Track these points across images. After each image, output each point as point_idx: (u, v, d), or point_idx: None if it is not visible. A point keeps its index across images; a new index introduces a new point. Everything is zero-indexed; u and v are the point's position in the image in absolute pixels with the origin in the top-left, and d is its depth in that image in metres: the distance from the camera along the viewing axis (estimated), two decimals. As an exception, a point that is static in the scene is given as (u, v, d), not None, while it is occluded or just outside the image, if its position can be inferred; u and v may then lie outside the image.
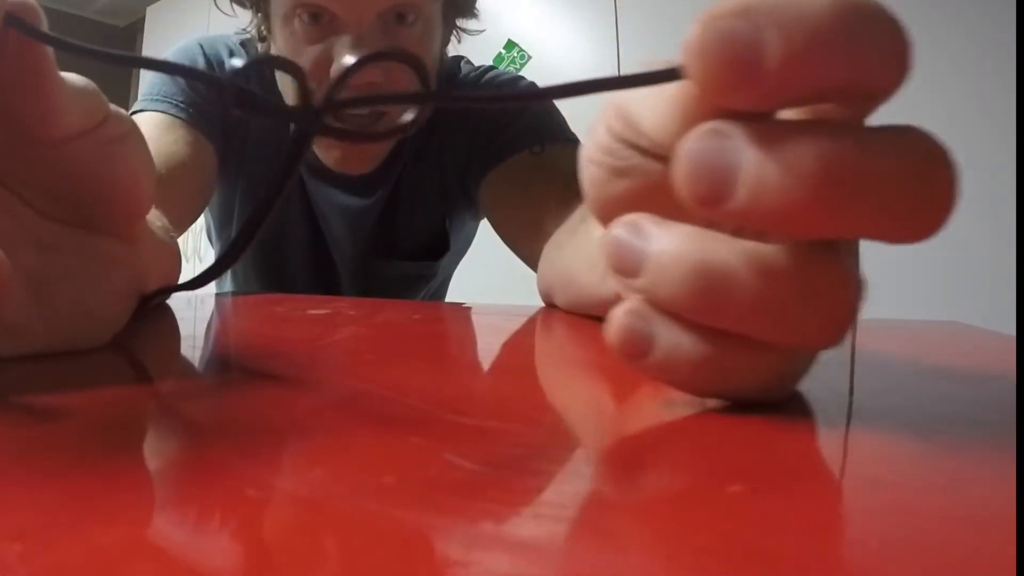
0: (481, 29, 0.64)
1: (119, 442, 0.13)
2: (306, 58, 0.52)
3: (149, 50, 3.27)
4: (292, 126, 0.19)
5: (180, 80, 0.57)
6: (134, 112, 0.57)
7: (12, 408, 0.15)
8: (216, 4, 0.59)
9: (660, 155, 0.17)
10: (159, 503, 0.10)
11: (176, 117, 0.55)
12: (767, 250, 0.14)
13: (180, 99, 0.56)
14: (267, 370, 0.20)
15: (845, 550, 0.09)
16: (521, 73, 2.06)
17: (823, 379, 0.17)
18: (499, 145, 0.60)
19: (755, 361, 0.15)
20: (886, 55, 0.13)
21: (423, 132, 0.62)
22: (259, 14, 0.57)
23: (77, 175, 0.20)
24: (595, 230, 0.31)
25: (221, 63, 0.62)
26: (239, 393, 0.17)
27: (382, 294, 0.71)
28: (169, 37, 3.10)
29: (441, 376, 0.21)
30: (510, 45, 2.11)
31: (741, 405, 0.16)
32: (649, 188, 0.18)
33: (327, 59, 0.52)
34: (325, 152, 0.61)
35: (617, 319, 0.15)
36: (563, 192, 0.51)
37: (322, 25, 0.52)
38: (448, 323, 0.39)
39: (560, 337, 0.33)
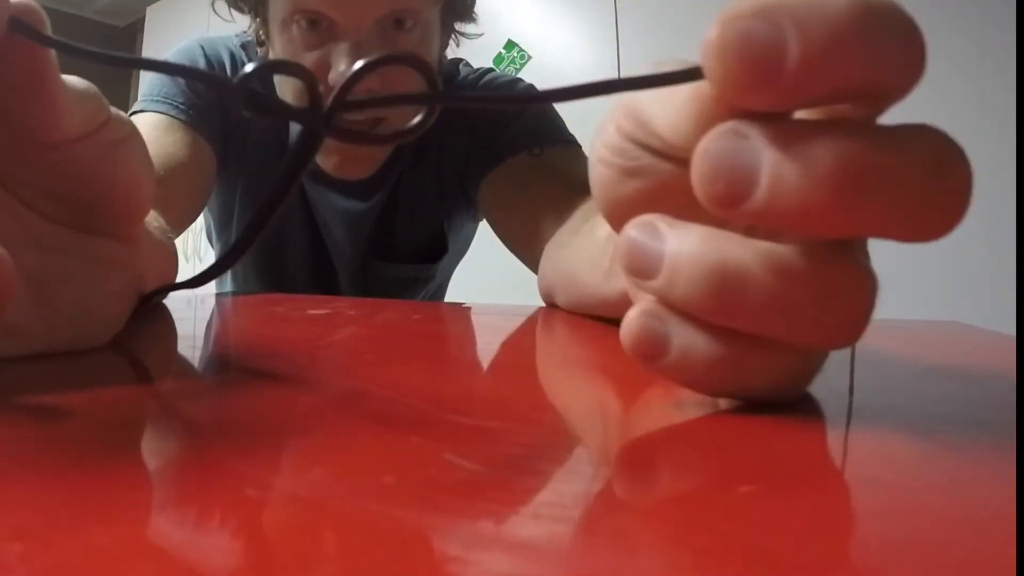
0: (479, 33, 0.64)
1: (119, 442, 0.13)
2: (304, 64, 0.52)
3: (149, 50, 3.27)
4: (292, 129, 0.19)
5: (180, 81, 0.57)
6: (134, 112, 0.57)
7: (12, 408, 0.15)
8: (214, 10, 0.59)
9: (672, 155, 0.17)
10: (159, 503, 0.10)
11: (175, 118, 0.55)
12: (782, 250, 0.14)
13: (180, 100, 0.56)
14: (267, 370, 0.20)
15: (845, 550, 0.09)
16: (521, 73, 2.08)
17: (823, 379, 0.17)
18: (498, 146, 0.60)
19: (770, 361, 0.15)
20: (902, 55, 0.13)
21: (421, 136, 0.62)
22: (257, 19, 0.57)
23: (77, 177, 0.20)
24: (598, 230, 0.31)
25: (222, 64, 0.62)
26: (239, 393, 0.17)
27: (381, 296, 0.71)
28: (169, 37, 3.10)
29: (441, 376, 0.21)
30: (510, 45, 2.12)
31: (742, 405, 0.16)
32: (660, 188, 0.18)
33: (325, 65, 0.52)
34: (324, 158, 0.61)
35: (632, 321, 0.15)
36: (562, 193, 0.51)
37: (320, 31, 0.52)
38: (448, 323, 0.39)
39: (561, 337, 0.33)
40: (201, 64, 0.62)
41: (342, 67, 0.50)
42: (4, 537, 0.08)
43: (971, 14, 1.47)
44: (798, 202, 0.12)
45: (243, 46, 0.64)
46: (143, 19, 3.37)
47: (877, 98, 0.14)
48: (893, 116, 0.14)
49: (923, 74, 0.13)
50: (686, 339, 0.15)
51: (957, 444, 0.14)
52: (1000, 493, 0.11)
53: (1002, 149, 1.37)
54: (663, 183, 0.18)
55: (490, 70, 0.69)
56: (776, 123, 0.13)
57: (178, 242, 0.47)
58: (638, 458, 0.13)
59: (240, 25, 0.61)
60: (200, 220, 0.66)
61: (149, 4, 3.31)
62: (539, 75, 2.04)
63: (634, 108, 0.18)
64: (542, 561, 0.08)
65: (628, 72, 0.15)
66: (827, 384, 0.17)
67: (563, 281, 0.39)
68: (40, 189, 0.20)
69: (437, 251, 0.72)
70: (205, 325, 0.34)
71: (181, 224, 0.52)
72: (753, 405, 0.15)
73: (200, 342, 0.28)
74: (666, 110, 0.16)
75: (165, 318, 0.32)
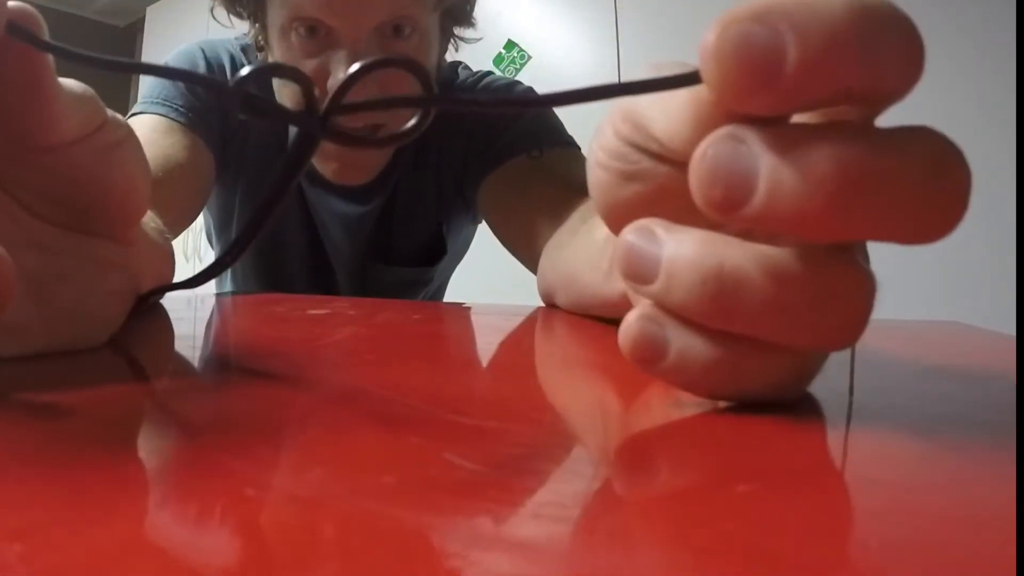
0: (478, 38, 0.64)
1: (118, 442, 0.13)
2: (303, 71, 0.52)
3: (149, 50, 3.27)
4: (292, 132, 0.19)
5: (180, 84, 0.57)
6: (133, 114, 0.57)
7: (11, 407, 0.15)
8: (213, 16, 0.59)
9: (670, 159, 0.17)
10: (158, 503, 0.10)
11: (175, 120, 0.56)
12: (780, 254, 0.14)
13: (179, 103, 0.56)
14: (267, 370, 0.20)
15: (845, 550, 0.09)
16: (521, 73, 2.08)
17: (823, 379, 0.17)
18: (497, 149, 0.60)
19: (768, 363, 0.15)
20: (901, 57, 0.13)
21: (420, 139, 0.62)
22: (256, 24, 0.57)
23: (74, 179, 0.20)
24: (597, 231, 0.31)
25: (222, 67, 0.62)
26: (238, 393, 0.17)
27: (379, 298, 0.71)
28: (169, 37, 3.10)
29: (441, 376, 0.21)
30: (510, 45, 2.12)
31: (742, 405, 0.16)
32: (658, 191, 0.18)
33: (324, 72, 0.52)
34: (323, 164, 0.61)
35: (630, 325, 0.15)
36: (561, 194, 0.51)
37: (319, 39, 0.52)
38: (448, 323, 0.39)
39: (560, 337, 0.33)
40: (201, 67, 0.62)
41: (340, 74, 0.50)
42: (3, 536, 0.08)
43: (971, 14, 1.47)
44: (796, 207, 0.12)
45: (243, 49, 0.64)
46: (143, 19, 3.37)
47: (875, 100, 0.13)
48: (892, 116, 0.14)
49: (922, 75, 0.13)
50: (684, 342, 0.15)
51: (957, 444, 0.14)
52: (1000, 493, 0.11)
53: (1002, 149, 1.37)
54: (661, 186, 0.18)
55: (489, 73, 0.69)
56: (774, 127, 0.13)
57: (178, 242, 0.47)
58: (638, 458, 0.13)
59: (240, 28, 0.61)
60: (200, 220, 0.66)
61: (149, 4, 3.31)
62: (539, 75, 2.04)
63: (632, 111, 0.18)
64: (542, 561, 0.08)
65: (627, 74, 0.15)
66: (827, 384, 0.17)
67: (563, 282, 0.39)
68: (37, 191, 0.20)
69: (435, 254, 0.72)
70: (205, 325, 0.34)
71: (179, 225, 0.52)
72: (753, 405, 0.15)
73: (199, 342, 0.28)
74: (664, 113, 0.16)
75: (163, 318, 0.32)
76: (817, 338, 0.14)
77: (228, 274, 0.76)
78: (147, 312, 0.31)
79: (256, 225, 0.21)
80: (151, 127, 0.54)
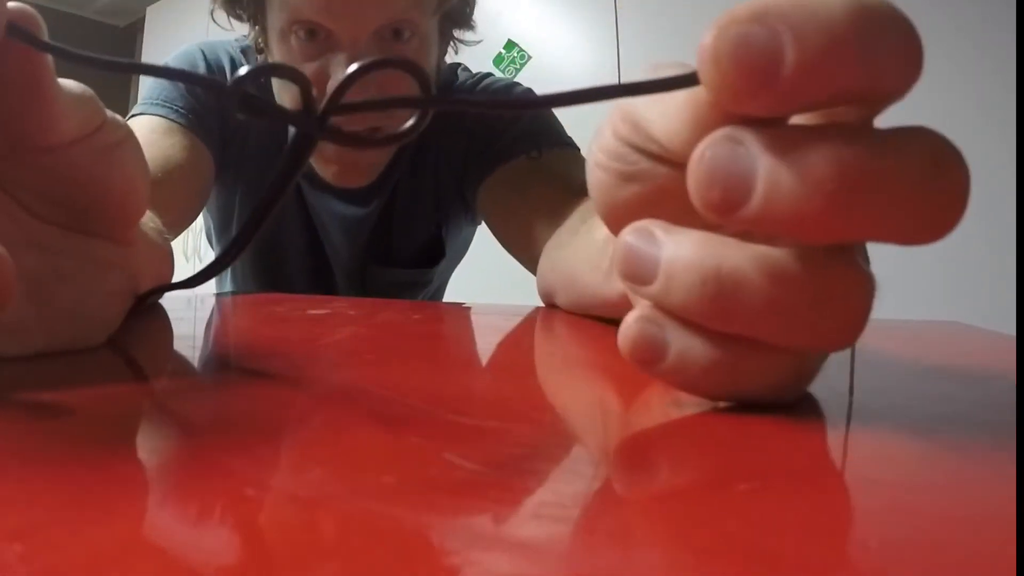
0: (478, 40, 0.64)
1: (118, 442, 0.13)
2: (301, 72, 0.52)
3: (149, 50, 3.27)
4: (291, 133, 0.19)
5: (180, 86, 0.58)
6: (134, 115, 0.57)
7: (11, 407, 0.15)
8: (213, 18, 0.59)
9: (669, 159, 0.17)
10: (158, 502, 0.10)
11: (175, 122, 0.56)
12: (778, 254, 0.14)
13: (180, 104, 0.57)
14: (266, 369, 0.20)
15: (845, 550, 0.09)
16: (521, 73, 2.08)
17: (823, 379, 0.17)
18: (497, 150, 0.60)
19: (767, 363, 0.15)
20: (900, 57, 0.12)
21: (419, 141, 0.62)
22: (256, 27, 0.57)
23: (74, 180, 0.20)
24: (596, 231, 0.32)
25: (222, 68, 0.63)
26: (238, 392, 0.17)
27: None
28: (169, 37, 3.10)
29: (441, 376, 0.21)
30: (510, 45, 2.12)
31: (742, 405, 0.16)
32: (657, 192, 0.18)
33: (323, 76, 0.52)
34: (322, 167, 0.61)
35: (629, 326, 0.15)
36: (561, 195, 0.51)
37: (318, 42, 0.52)
38: (448, 323, 0.39)
39: (560, 337, 0.33)
40: (201, 68, 0.62)
41: (340, 77, 0.50)
42: (3, 537, 0.08)
43: (971, 14, 1.47)
44: (794, 209, 0.12)
45: (243, 51, 0.64)
46: (143, 19, 3.37)
47: (874, 100, 0.13)
48: (891, 116, 0.14)
49: (920, 75, 0.13)
50: (683, 343, 0.15)
51: (957, 444, 0.14)
52: (1000, 493, 0.11)
53: (1002, 149, 1.37)
54: (660, 187, 0.18)
55: (488, 75, 0.69)
56: (772, 129, 0.13)
57: (177, 242, 0.47)
58: (638, 458, 0.13)
59: (240, 30, 0.61)
60: (200, 220, 0.66)
61: (149, 4, 3.31)
62: (539, 75, 2.04)
63: (631, 112, 0.18)
64: (542, 561, 0.08)
65: (626, 75, 0.15)
66: (827, 384, 0.17)
67: (563, 282, 0.39)
68: (37, 191, 0.20)
69: (434, 256, 0.72)
70: (204, 325, 0.34)
71: (178, 226, 0.52)
72: (753, 405, 0.15)
73: (199, 341, 0.28)
74: (663, 114, 0.16)
75: (162, 318, 0.32)
76: (816, 339, 0.14)
77: (228, 274, 0.76)
78: (147, 312, 0.31)
79: (255, 225, 0.21)
80: (151, 128, 0.55)
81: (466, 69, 0.70)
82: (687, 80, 0.14)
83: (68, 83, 0.18)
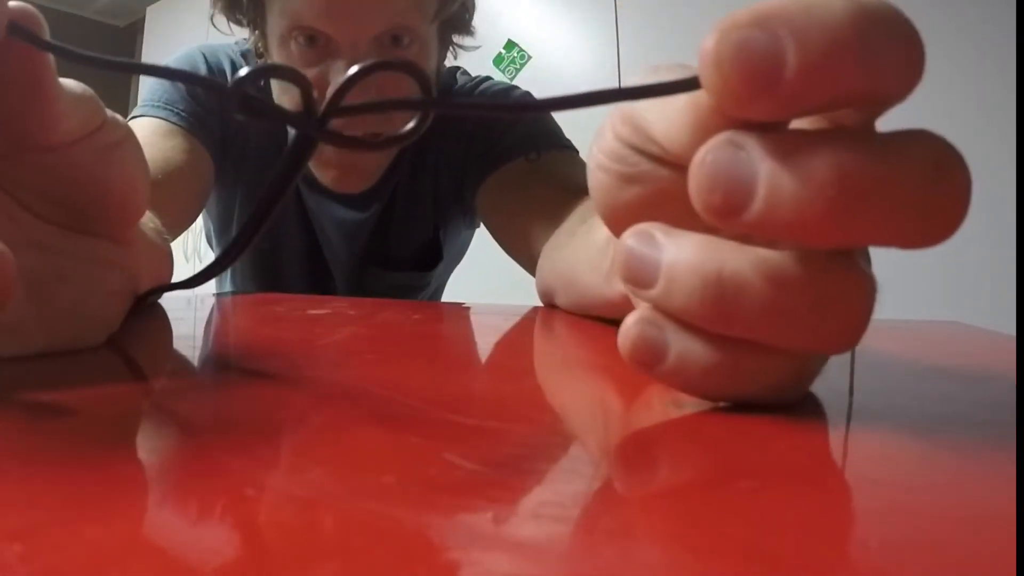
0: (477, 46, 0.64)
1: (118, 442, 0.13)
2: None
3: (149, 50, 3.27)
4: (291, 135, 0.19)
5: (181, 88, 0.58)
6: (134, 117, 0.57)
7: (10, 408, 0.15)
8: (213, 23, 0.59)
9: (670, 161, 0.17)
10: (158, 502, 0.10)
11: (176, 124, 0.56)
12: (779, 257, 0.14)
13: (181, 107, 0.57)
14: (266, 369, 0.20)
15: (845, 550, 0.09)
16: (521, 73, 2.08)
17: (823, 379, 0.17)
18: (495, 153, 0.60)
19: (768, 365, 0.15)
20: (901, 61, 0.12)
21: (418, 145, 0.62)
22: (256, 31, 0.57)
23: (74, 179, 0.20)
24: (596, 231, 0.32)
25: (222, 71, 0.63)
26: (238, 392, 0.17)
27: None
28: (169, 37, 3.10)
29: (441, 376, 0.21)
30: (510, 45, 2.12)
31: (743, 405, 0.16)
32: (658, 194, 0.18)
33: (323, 82, 0.52)
34: (321, 172, 0.61)
35: (629, 328, 0.15)
36: (559, 196, 0.51)
37: (318, 48, 0.52)
38: (447, 323, 0.39)
39: (560, 337, 0.33)
40: (202, 70, 0.62)
41: (340, 82, 0.50)
42: (3, 537, 0.08)
43: (971, 14, 1.47)
44: (795, 213, 0.12)
45: (243, 55, 0.64)
46: (143, 19, 3.37)
47: (875, 103, 0.13)
48: (892, 117, 0.14)
49: (922, 78, 0.13)
50: (683, 345, 0.15)
51: (957, 444, 0.14)
52: (1000, 493, 0.11)
53: (1002, 149, 1.37)
54: (661, 189, 0.18)
55: (487, 78, 0.69)
56: (773, 133, 0.13)
57: (177, 243, 0.47)
58: (638, 457, 0.13)
59: (240, 35, 0.61)
60: (200, 221, 0.66)
61: (149, 4, 3.31)
62: (539, 75, 2.04)
63: (631, 114, 0.18)
64: (542, 561, 0.08)
65: (627, 77, 0.15)
66: (827, 384, 0.17)
67: (563, 282, 0.39)
68: (37, 191, 0.20)
69: (432, 259, 0.72)
70: (204, 325, 0.34)
71: (177, 227, 0.52)
72: (753, 406, 0.15)
73: (199, 341, 0.28)
74: (663, 116, 0.16)
75: (162, 318, 0.32)
76: (817, 342, 0.14)
77: (228, 276, 0.76)
78: (146, 312, 0.31)
79: (255, 226, 0.21)
80: (151, 130, 0.55)
81: (465, 73, 0.70)
82: (688, 84, 0.14)
83: (69, 83, 0.18)
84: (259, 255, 0.71)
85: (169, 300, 0.35)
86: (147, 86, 0.61)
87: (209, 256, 0.79)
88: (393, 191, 0.67)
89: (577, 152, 0.60)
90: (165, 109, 0.56)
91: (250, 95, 0.17)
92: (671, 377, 0.15)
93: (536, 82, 2.13)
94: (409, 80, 0.17)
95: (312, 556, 0.08)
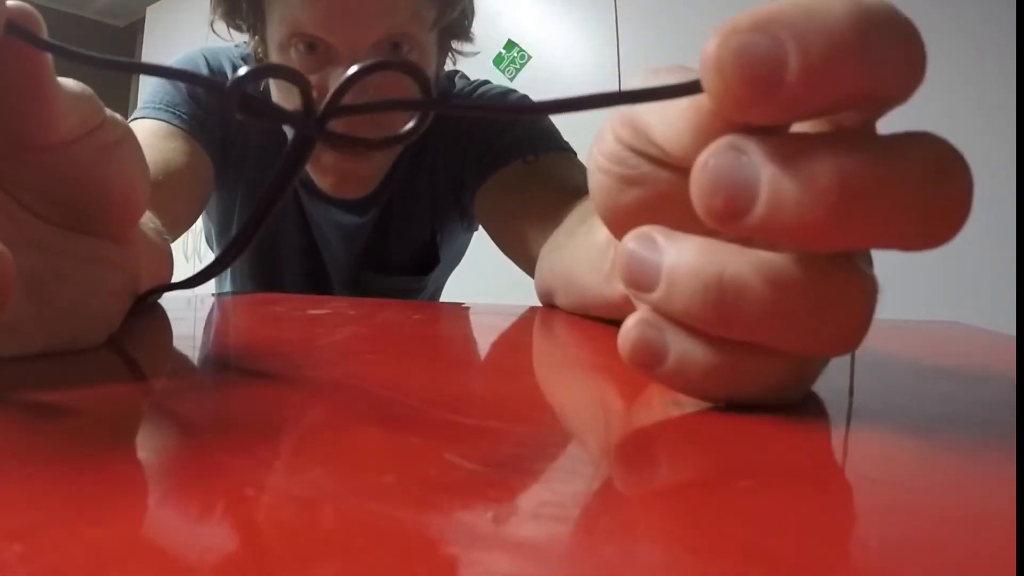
0: (476, 51, 0.64)
1: (118, 442, 0.13)
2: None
3: (149, 50, 3.27)
4: (290, 136, 0.19)
5: (182, 90, 0.58)
6: (135, 118, 0.58)
7: (11, 408, 0.15)
8: (213, 29, 0.59)
9: (670, 164, 0.17)
10: (158, 502, 0.10)
11: (176, 127, 0.56)
12: (779, 260, 0.14)
13: (182, 110, 0.57)
14: (266, 369, 0.20)
15: (845, 550, 0.09)
16: (521, 73, 2.08)
17: (823, 379, 0.17)
18: (493, 155, 0.61)
19: (768, 367, 0.15)
20: (903, 63, 0.12)
21: (416, 149, 0.62)
22: (256, 36, 0.57)
23: (73, 179, 0.20)
24: (596, 232, 0.32)
25: (224, 73, 0.63)
26: (238, 392, 0.17)
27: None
28: (169, 37, 3.10)
29: (441, 376, 0.21)
30: (510, 45, 2.12)
31: (743, 405, 0.16)
32: (659, 197, 0.18)
33: (323, 89, 0.52)
34: (320, 178, 0.62)
35: (629, 329, 0.15)
36: (558, 197, 0.51)
37: (318, 56, 0.52)
38: (447, 323, 0.39)
39: (559, 337, 0.33)
40: (203, 72, 0.63)
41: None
42: (3, 537, 0.08)
43: (971, 14, 1.47)
44: (797, 217, 0.12)
45: (243, 59, 0.64)
46: (143, 19, 3.37)
47: (876, 105, 0.13)
48: (892, 116, 0.14)
49: (923, 80, 0.13)
50: (683, 347, 0.15)
51: (957, 444, 0.14)
52: (1000, 493, 0.11)
53: (1002, 149, 1.37)
54: (662, 192, 0.18)
55: (485, 82, 0.70)
56: (774, 137, 0.13)
57: (177, 243, 0.47)
58: (638, 457, 0.13)
59: (240, 39, 0.61)
60: (200, 222, 0.66)
61: (149, 4, 3.31)
62: (539, 75, 2.04)
63: (632, 117, 0.18)
64: (542, 561, 0.08)
65: (627, 78, 0.15)
66: (827, 384, 0.17)
67: (563, 283, 0.39)
68: (36, 191, 0.20)
69: (429, 263, 0.72)
70: (204, 325, 0.34)
71: (177, 228, 0.52)
72: (753, 406, 0.15)
73: (199, 341, 0.28)
74: (663, 119, 0.16)
75: (162, 318, 0.32)
76: (818, 344, 0.14)
77: (227, 277, 0.76)
78: (146, 312, 0.31)
79: (254, 226, 0.21)
80: (152, 132, 0.55)
81: (463, 77, 0.70)
82: (689, 88, 0.14)
83: (67, 82, 0.18)
84: (258, 257, 0.71)
85: (169, 300, 0.35)
86: (148, 88, 0.62)
87: (209, 257, 0.80)
88: (391, 195, 0.67)
89: (575, 154, 0.61)
90: (166, 111, 0.57)
91: (249, 94, 0.17)
92: (671, 379, 0.15)
93: (536, 82, 2.14)
94: (409, 82, 0.18)
95: (312, 556, 0.08)
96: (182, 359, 0.25)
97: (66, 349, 0.20)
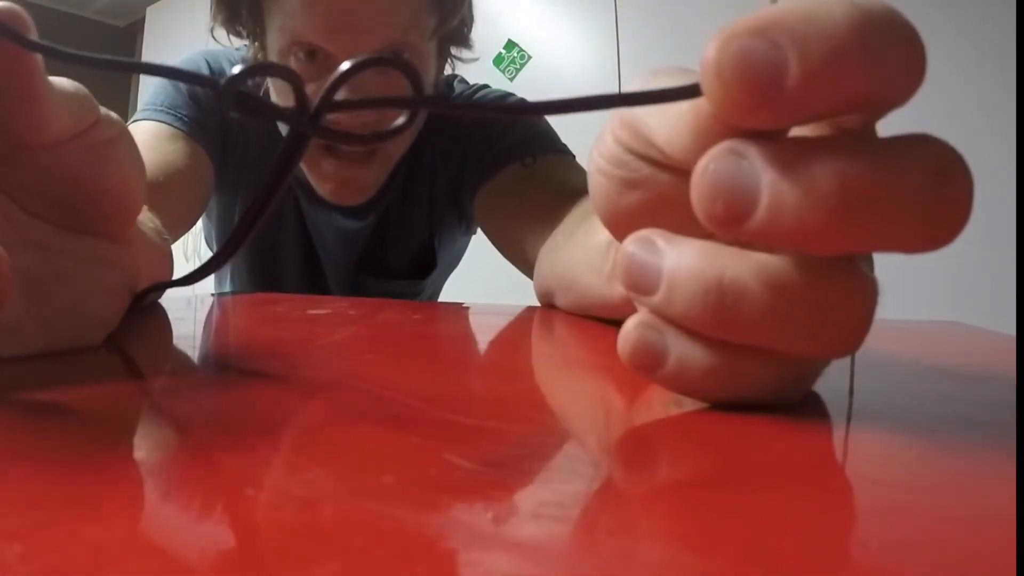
0: (475, 58, 0.64)
1: (118, 442, 0.13)
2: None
3: (149, 50, 3.27)
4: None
5: (183, 92, 0.58)
6: (136, 120, 0.58)
7: (11, 408, 0.15)
8: (213, 36, 0.59)
9: (670, 166, 0.17)
10: (158, 502, 0.10)
11: (178, 129, 0.56)
12: (779, 264, 0.14)
13: (183, 112, 0.57)
14: (266, 369, 0.20)
15: (845, 550, 0.09)
16: (521, 73, 2.08)
17: (823, 380, 0.17)
18: (491, 158, 0.61)
19: (768, 369, 0.15)
20: (903, 66, 0.12)
21: (413, 151, 0.62)
22: (256, 44, 0.57)
23: (68, 178, 0.20)
24: (597, 233, 0.32)
25: (224, 75, 0.63)
26: (238, 392, 0.17)
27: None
28: (169, 37, 3.10)
29: (441, 376, 0.21)
30: (510, 45, 2.12)
31: (744, 405, 0.16)
32: (659, 199, 0.18)
33: None
34: (320, 185, 0.62)
35: (629, 332, 0.15)
36: (556, 199, 0.51)
37: (317, 64, 0.52)
38: (447, 323, 0.39)
39: (559, 337, 0.33)
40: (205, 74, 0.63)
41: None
42: (3, 537, 0.08)
43: (971, 14, 1.47)
44: (798, 222, 0.12)
45: (244, 61, 0.64)
46: (143, 19, 3.37)
47: (877, 107, 0.13)
48: (892, 116, 0.14)
49: (923, 82, 0.13)
50: (683, 349, 0.15)
51: (957, 444, 0.14)
52: (1000, 493, 0.11)
53: (1002, 149, 1.37)
54: (662, 194, 0.18)
55: (484, 86, 0.70)
56: (775, 142, 0.13)
57: (178, 243, 0.47)
58: (638, 457, 0.13)
59: (240, 44, 0.61)
60: (200, 223, 0.66)
61: (149, 4, 3.31)
62: (539, 75, 2.04)
63: (631, 119, 0.18)
64: (542, 561, 0.08)
65: (627, 79, 0.15)
66: (827, 385, 0.17)
67: (562, 284, 0.39)
68: (32, 190, 0.20)
69: (426, 267, 0.73)
70: (204, 325, 0.34)
71: (177, 229, 0.52)
72: (753, 406, 0.15)
73: (199, 341, 0.28)
74: (663, 122, 0.16)
75: (162, 318, 0.32)
76: (817, 347, 0.14)
77: (227, 280, 0.77)
78: (146, 312, 0.31)
79: (250, 222, 0.21)
80: (153, 133, 0.55)
81: (463, 81, 0.70)
82: (689, 91, 0.14)
83: (60, 81, 0.18)
84: (257, 260, 0.72)
85: (169, 300, 0.35)
86: (149, 89, 0.62)
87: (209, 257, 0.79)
88: (389, 200, 0.67)
89: (573, 156, 0.61)
90: (168, 113, 0.57)
91: (244, 92, 0.17)
92: (671, 381, 0.15)
93: (536, 82, 2.14)
94: (405, 84, 0.18)
95: (312, 556, 0.08)
96: (182, 359, 0.25)
97: (65, 348, 0.20)
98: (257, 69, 0.17)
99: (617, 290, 0.28)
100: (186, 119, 0.57)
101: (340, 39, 0.51)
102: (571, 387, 0.21)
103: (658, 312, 0.15)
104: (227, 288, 0.78)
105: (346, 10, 0.50)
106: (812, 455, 0.13)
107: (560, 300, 0.40)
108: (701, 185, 0.13)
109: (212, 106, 0.59)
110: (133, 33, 3.47)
